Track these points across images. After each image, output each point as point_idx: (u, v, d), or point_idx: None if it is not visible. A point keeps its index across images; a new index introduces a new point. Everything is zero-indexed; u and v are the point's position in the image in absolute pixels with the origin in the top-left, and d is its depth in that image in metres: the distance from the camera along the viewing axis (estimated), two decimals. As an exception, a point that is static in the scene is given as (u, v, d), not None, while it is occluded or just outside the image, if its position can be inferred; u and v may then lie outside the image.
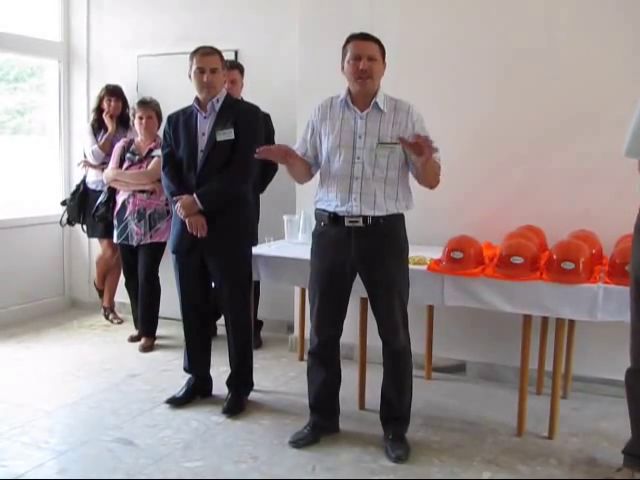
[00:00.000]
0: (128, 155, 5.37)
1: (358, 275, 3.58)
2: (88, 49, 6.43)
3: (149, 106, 5.30)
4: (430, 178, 3.48)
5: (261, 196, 5.16)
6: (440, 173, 3.50)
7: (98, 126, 5.85)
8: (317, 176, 3.65)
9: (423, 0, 4.77)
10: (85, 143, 5.91)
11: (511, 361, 4.24)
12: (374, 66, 3.42)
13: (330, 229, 3.53)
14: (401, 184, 3.51)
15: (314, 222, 3.69)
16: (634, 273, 3.13)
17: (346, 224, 3.46)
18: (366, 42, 3.43)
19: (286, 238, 4.80)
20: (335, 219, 3.49)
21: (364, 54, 3.40)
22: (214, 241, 4.02)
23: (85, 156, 5.93)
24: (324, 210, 3.53)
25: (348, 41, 3.47)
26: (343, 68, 3.50)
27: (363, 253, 3.48)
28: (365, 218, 3.44)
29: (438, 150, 3.40)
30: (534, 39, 4.46)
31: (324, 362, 3.72)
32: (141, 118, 5.27)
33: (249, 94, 5.02)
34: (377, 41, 3.47)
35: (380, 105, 3.46)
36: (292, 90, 5.17)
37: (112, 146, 5.60)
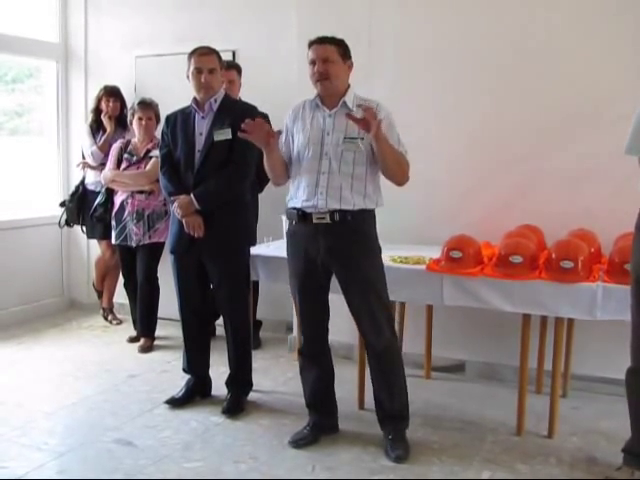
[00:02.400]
0: (126, 156, 5.37)
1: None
2: (86, 50, 6.43)
3: (150, 107, 5.30)
4: (393, 167, 3.47)
5: (260, 196, 5.16)
6: (405, 164, 3.50)
7: (97, 127, 5.86)
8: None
9: (421, 0, 4.76)
10: (84, 144, 5.92)
11: (510, 360, 4.24)
12: (330, 68, 3.47)
13: (300, 228, 3.58)
14: (369, 180, 3.53)
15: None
16: (635, 272, 3.13)
17: (314, 221, 3.50)
18: (321, 45, 3.50)
19: (285, 238, 4.79)
20: (304, 217, 3.53)
21: (318, 57, 3.48)
22: (212, 241, 4.02)
23: (84, 157, 5.93)
24: (293, 208, 3.58)
25: (308, 46, 3.55)
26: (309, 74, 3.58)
27: (332, 251, 3.51)
28: (332, 214, 3.46)
29: (403, 146, 3.49)
30: (533, 39, 4.46)
31: (314, 360, 3.75)
32: (141, 119, 5.27)
33: (247, 94, 5.01)
34: (335, 42, 3.52)
35: (349, 104, 3.52)
36: (290, 90, 5.15)
37: (111, 147, 5.60)
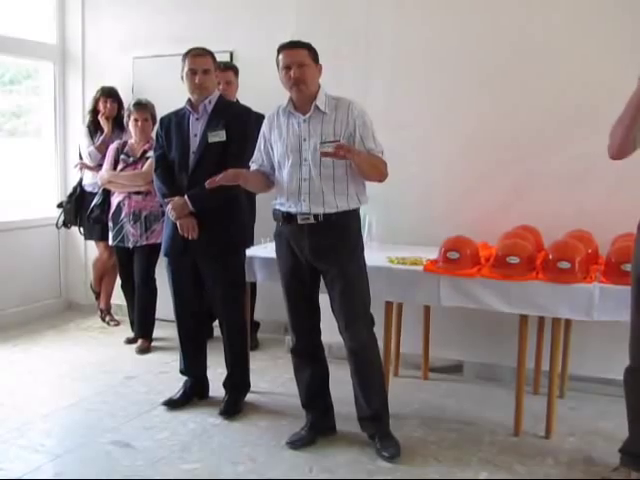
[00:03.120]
0: (122, 156, 5.36)
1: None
2: (83, 51, 6.43)
3: (145, 108, 5.30)
4: (371, 174, 3.51)
5: (257, 197, 5.15)
6: (382, 164, 3.52)
7: (94, 128, 5.86)
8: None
9: (418, 2, 4.77)
10: (81, 145, 5.92)
11: (508, 361, 4.24)
12: (305, 72, 3.47)
13: (285, 229, 3.60)
14: (351, 180, 3.54)
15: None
16: (636, 272, 3.12)
17: (299, 222, 3.52)
18: (294, 50, 3.50)
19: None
20: (289, 217, 3.55)
21: (293, 62, 3.46)
22: (206, 243, 4.02)
23: (81, 158, 5.93)
24: (278, 210, 3.61)
25: (278, 52, 3.53)
26: (281, 79, 3.55)
27: (316, 249, 3.53)
28: (316, 215, 3.49)
29: (381, 147, 3.51)
30: (530, 40, 4.46)
31: (307, 360, 3.76)
32: (136, 120, 5.27)
33: (244, 95, 5.01)
34: (306, 46, 3.52)
35: (321, 107, 3.51)
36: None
37: (108, 147, 5.60)
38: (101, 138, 5.78)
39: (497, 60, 4.55)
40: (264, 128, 3.70)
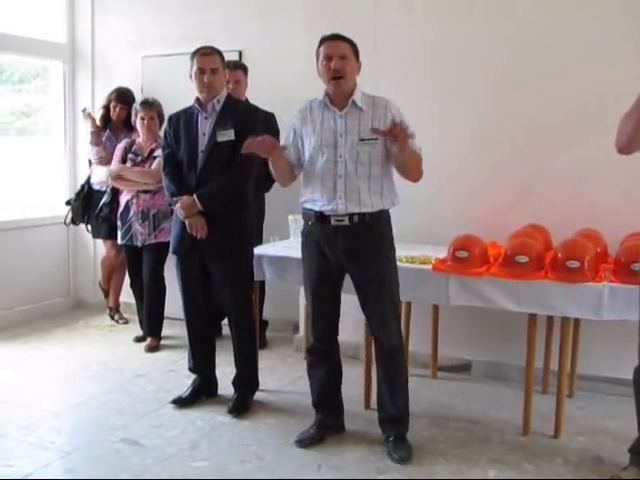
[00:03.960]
0: (130, 155, 5.37)
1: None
2: (93, 50, 6.45)
3: (151, 106, 5.31)
4: (411, 169, 3.50)
5: (266, 195, 5.17)
6: (422, 164, 3.51)
7: (104, 123, 5.86)
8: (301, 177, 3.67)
9: (426, 3, 4.77)
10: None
11: (517, 360, 4.24)
12: (346, 65, 3.43)
13: (316, 228, 3.55)
14: (385, 179, 3.53)
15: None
16: None
17: (332, 223, 3.48)
18: (337, 42, 3.45)
19: (291, 238, 4.79)
20: (321, 218, 3.51)
21: (335, 54, 3.42)
22: (214, 242, 4.02)
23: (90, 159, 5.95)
24: (310, 209, 3.56)
25: (320, 43, 3.49)
26: (319, 71, 3.51)
27: (350, 252, 3.50)
28: (351, 216, 3.45)
29: (414, 136, 3.46)
30: (538, 40, 4.45)
31: (322, 359, 3.74)
32: (143, 119, 5.28)
33: (253, 94, 5.02)
34: (349, 41, 3.48)
35: (358, 103, 3.48)
36: (296, 90, 5.16)
37: (100, 138, 5.74)
38: (105, 135, 5.80)
39: (505, 60, 4.55)
40: (294, 121, 3.63)
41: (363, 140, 3.42)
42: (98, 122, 5.89)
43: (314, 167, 3.52)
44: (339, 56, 3.41)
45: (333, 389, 3.80)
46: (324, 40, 3.48)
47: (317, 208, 3.51)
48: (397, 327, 3.61)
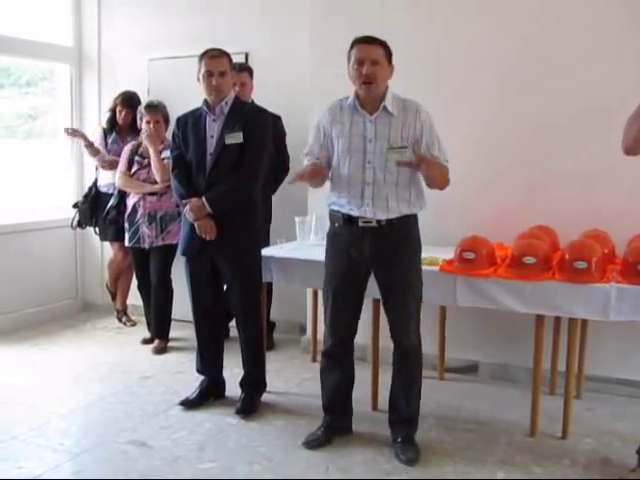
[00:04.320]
0: (137, 158, 5.38)
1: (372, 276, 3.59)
2: (99, 53, 6.47)
3: (156, 109, 5.31)
4: (438, 181, 3.51)
5: (273, 197, 5.17)
6: (448, 173, 3.52)
7: (110, 127, 5.88)
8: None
9: (432, 4, 4.77)
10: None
11: (524, 361, 4.23)
12: (378, 70, 3.37)
13: (344, 230, 3.53)
14: (413, 186, 3.52)
15: (327, 223, 3.70)
16: None
17: (360, 224, 3.47)
18: (370, 46, 3.39)
19: (298, 239, 4.80)
20: (349, 220, 3.49)
21: (367, 58, 3.36)
22: (223, 243, 4.03)
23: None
24: (337, 211, 3.54)
25: (352, 45, 3.43)
26: (349, 73, 3.47)
27: (377, 254, 3.49)
28: (379, 221, 3.45)
29: (441, 148, 3.49)
30: (543, 39, 4.45)
31: (338, 363, 3.72)
32: (148, 122, 5.28)
33: (259, 96, 5.03)
34: (382, 44, 3.42)
35: (389, 108, 3.44)
36: (303, 92, 5.18)
37: (95, 149, 5.82)
38: (111, 138, 5.82)
39: (511, 61, 4.54)
40: (324, 120, 3.57)
41: (392, 148, 3.39)
42: (104, 125, 5.91)
43: (341, 171, 3.50)
44: (371, 61, 3.35)
45: (345, 394, 3.79)
46: (357, 42, 3.41)
47: (344, 211, 3.51)
48: (418, 328, 3.63)
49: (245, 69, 5.19)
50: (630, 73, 4.25)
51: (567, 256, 3.69)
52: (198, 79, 4.02)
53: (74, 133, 5.96)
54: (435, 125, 3.50)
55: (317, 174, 3.49)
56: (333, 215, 3.59)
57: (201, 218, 4.00)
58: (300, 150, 5.11)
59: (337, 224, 3.57)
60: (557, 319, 4.17)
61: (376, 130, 3.43)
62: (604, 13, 4.32)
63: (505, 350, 4.65)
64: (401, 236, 3.50)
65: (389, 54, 3.44)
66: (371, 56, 3.36)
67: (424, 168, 3.34)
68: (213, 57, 3.98)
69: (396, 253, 3.49)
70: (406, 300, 3.54)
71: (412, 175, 3.49)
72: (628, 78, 4.24)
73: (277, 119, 4.94)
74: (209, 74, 3.96)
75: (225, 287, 4.22)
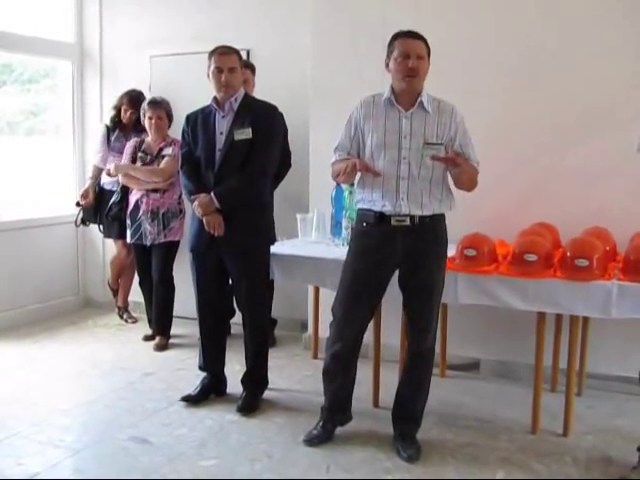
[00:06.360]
0: (140, 154, 5.37)
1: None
2: (101, 50, 6.47)
3: (159, 106, 5.30)
4: (466, 183, 3.54)
5: (274, 194, 5.16)
6: (477, 175, 3.54)
7: (114, 125, 5.87)
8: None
9: (434, 2, 4.76)
10: (96, 143, 5.94)
11: (525, 359, 4.24)
12: (422, 65, 3.39)
13: (374, 229, 3.49)
14: (444, 184, 3.52)
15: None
16: None
17: (392, 223, 3.44)
18: (415, 40, 3.40)
19: (299, 237, 4.81)
20: (381, 218, 3.46)
21: (413, 52, 3.36)
22: (232, 240, 4.02)
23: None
24: (369, 210, 3.50)
25: (395, 38, 3.43)
26: (387, 65, 3.47)
27: (408, 253, 3.46)
28: (412, 217, 3.43)
29: (473, 149, 3.50)
30: (548, 37, 4.44)
31: (343, 366, 3.67)
32: (151, 118, 5.28)
33: (261, 93, 5.00)
34: (425, 41, 3.44)
35: (425, 105, 3.44)
36: (304, 89, 5.18)
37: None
38: (114, 136, 5.81)
39: (514, 59, 4.53)
40: (357, 115, 3.54)
41: (429, 144, 3.39)
42: (109, 123, 5.90)
43: (374, 166, 3.45)
44: (417, 55, 3.37)
45: (347, 396, 3.77)
46: (401, 36, 3.42)
47: (377, 208, 3.47)
48: (436, 330, 3.64)
49: (247, 66, 5.17)
50: (633, 71, 4.23)
51: (568, 253, 3.69)
52: (208, 76, 4.02)
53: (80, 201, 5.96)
54: (467, 127, 3.51)
55: (363, 168, 3.44)
56: (363, 214, 3.54)
57: (209, 213, 3.99)
58: (300, 147, 5.12)
59: (366, 223, 3.52)
60: (558, 316, 4.17)
61: (412, 126, 3.42)
62: (607, 10, 4.31)
63: (506, 347, 4.64)
64: (433, 236, 3.50)
65: (429, 51, 3.46)
66: (417, 51, 3.38)
67: (459, 162, 3.33)
68: (223, 54, 3.98)
69: (426, 254, 3.48)
70: (431, 302, 3.54)
71: (444, 174, 3.50)
72: (631, 76, 4.23)
73: (280, 116, 4.92)
74: (219, 70, 3.96)
75: (231, 283, 4.21)
